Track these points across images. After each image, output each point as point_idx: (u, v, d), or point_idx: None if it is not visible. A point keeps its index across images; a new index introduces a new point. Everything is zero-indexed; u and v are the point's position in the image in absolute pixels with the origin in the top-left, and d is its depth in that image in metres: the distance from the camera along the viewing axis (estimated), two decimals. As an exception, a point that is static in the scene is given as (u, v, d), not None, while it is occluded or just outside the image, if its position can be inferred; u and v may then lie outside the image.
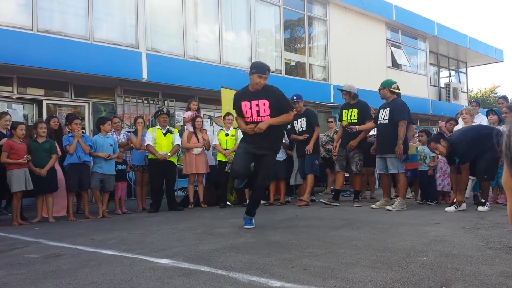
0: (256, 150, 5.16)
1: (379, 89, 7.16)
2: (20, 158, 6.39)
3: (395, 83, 7.21)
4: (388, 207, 6.69)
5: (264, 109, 5.13)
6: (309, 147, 7.81)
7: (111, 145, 7.38)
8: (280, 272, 3.04)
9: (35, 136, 6.86)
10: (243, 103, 5.21)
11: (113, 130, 7.94)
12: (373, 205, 7.16)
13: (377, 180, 10.01)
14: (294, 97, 8.10)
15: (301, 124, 8.07)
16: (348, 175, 8.55)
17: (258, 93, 5.13)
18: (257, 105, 5.14)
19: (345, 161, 7.66)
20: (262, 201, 8.47)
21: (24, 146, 6.50)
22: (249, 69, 5.19)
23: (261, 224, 5.44)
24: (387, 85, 7.13)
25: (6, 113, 7.32)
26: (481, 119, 7.88)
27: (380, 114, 7.10)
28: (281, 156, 8.31)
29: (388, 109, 6.96)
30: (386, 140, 6.92)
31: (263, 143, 5.15)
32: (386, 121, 6.95)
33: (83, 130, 8.50)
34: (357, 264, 3.19)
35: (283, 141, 8.45)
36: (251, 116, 5.16)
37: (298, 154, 8.11)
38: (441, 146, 6.23)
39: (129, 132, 8.77)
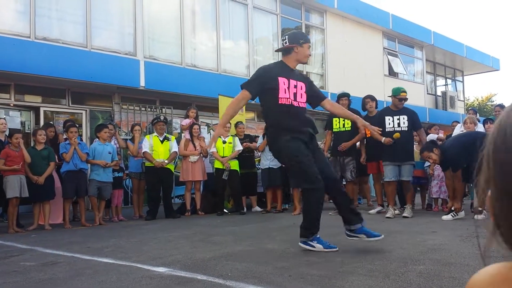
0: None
1: (406, 98, 6.98)
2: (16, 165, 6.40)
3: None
4: (406, 215, 6.66)
5: (301, 94, 4.22)
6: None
7: (109, 153, 7.38)
8: (277, 281, 3.03)
9: (32, 143, 6.87)
10: (281, 80, 4.12)
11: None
12: (388, 215, 6.81)
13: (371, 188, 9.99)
14: None
15: None
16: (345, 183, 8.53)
17: (295, 73, 4.32)
18: (295, 86, 4.19)
19: (339, 171, 7.66)
20: (258, 209, 8.53)
21: (20, 154, 6.50)
22: (288, 41, 4.20)
23: (258, 232, 5.43)
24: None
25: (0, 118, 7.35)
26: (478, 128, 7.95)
27: (390, 121, 6.90)
28: (276, 163, 8.30)
29: (406, 116, 6.86)
30: (404, 147, 6.76)
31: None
32: (405, 129, 6.83)
33: (80, 137, 8.51)
34: (354, 272, 3.18)
35: None
36: (288, 97, 4.13)
37: None
38: (434, 155, 6.25)
39: (125, 139, 8.77)
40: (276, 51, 4.59)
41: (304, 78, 4.43)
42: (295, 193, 8.01)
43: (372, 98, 7.73)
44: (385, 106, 8.16)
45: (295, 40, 4.20)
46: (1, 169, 6.39)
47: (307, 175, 4.00)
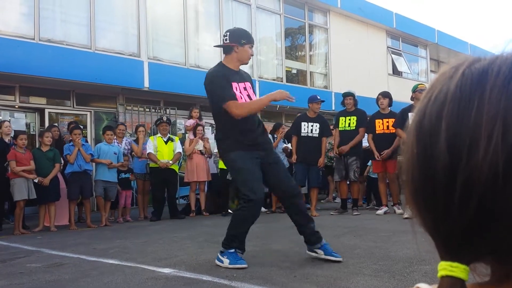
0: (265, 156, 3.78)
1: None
2: (24, 167, 6.44)
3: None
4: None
5: (250, 94, 3.84)
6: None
7: (115, 153, 7.42)
8: (282, 281, 3.03)
9: (37, 144, 6.90)
10: (234, 85, 3.72)
11: (114, 137, 7.89)
12: (407, 215, 6.46)
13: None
14: (318, 97, 7.70)
15: (312, 129, 7.56)
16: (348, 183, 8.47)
17: (240, 73, 3.88)
18: (245, 88, 3.82)
19: (344, 170, 7.63)
20: (263, 209, 8.49)
21: (28, 155, 6.54)
22: (229, 38, 3.76)
23: (262, 232, 5.42)
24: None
25: (4, 120, 7.39)
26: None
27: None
28: (286, 163, 8.25)
29: None
30: None
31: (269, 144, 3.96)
32: None
33: (86, 138, 8.54)
34: (359, 273, 3.18)
35: (286, 145, 8.44)
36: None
37: (305, 161, 7.57)
38: None
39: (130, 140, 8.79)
40: (214, 46, 4.18)
41: (248, 76, 4.01)
42: (315, 195, 7.92)
43: (383, 95, 7.66)
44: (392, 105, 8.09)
45: (236, 39, 3.72)
46: (15, 170, 6.37)
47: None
